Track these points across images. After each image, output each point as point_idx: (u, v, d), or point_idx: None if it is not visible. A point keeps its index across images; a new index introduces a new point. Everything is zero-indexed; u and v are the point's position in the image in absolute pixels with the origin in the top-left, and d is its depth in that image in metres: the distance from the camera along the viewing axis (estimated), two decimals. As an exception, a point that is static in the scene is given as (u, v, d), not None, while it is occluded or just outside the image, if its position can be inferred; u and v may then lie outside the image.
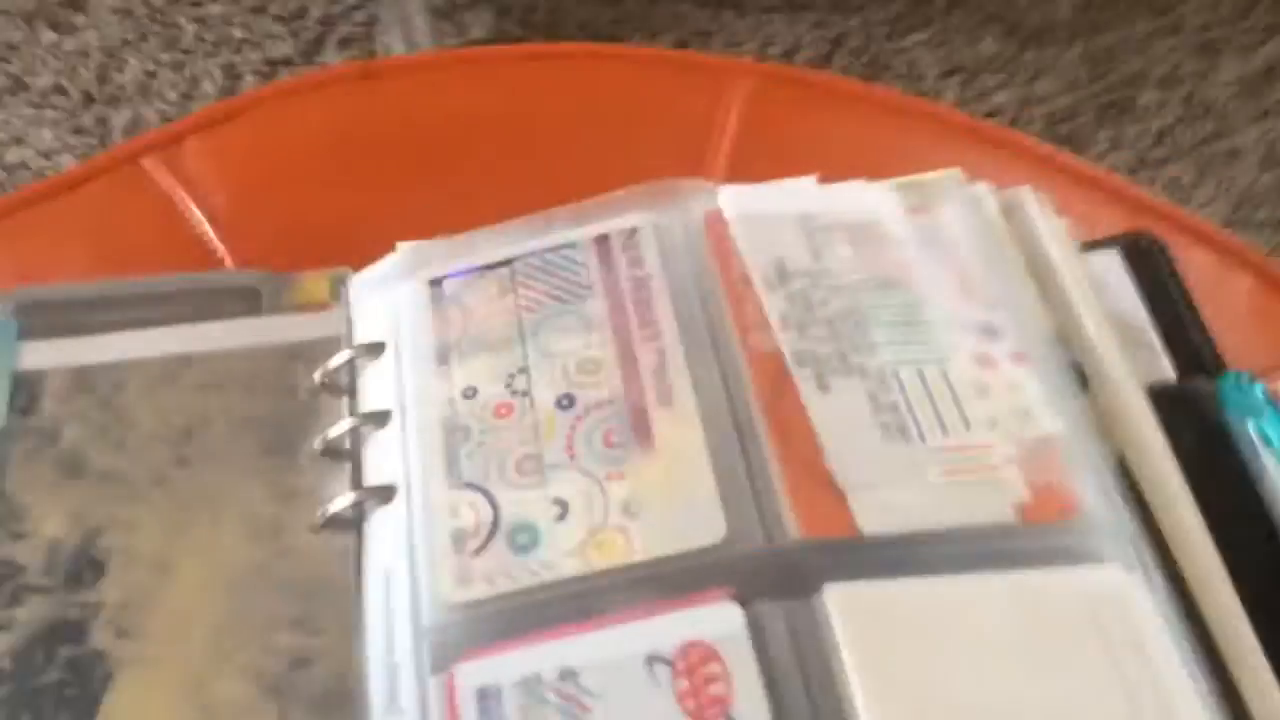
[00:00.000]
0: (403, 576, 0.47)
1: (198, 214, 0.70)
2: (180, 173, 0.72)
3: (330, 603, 0.49)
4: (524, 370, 0.50)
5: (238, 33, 1.60)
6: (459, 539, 0.47)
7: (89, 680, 0.47)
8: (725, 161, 0.70)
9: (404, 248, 0.56)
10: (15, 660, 0.48)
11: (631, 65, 0.78)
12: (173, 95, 1.57)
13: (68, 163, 1.54)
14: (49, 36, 1.61)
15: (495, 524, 0.47)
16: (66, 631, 0.49)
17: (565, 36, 1.58)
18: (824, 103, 0.74)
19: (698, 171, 0.69)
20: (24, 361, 0.56)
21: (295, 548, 0.50)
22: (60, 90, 1.58)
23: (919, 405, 0.48)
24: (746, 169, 0.65)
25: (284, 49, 1.59)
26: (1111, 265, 0.56)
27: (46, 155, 1.55)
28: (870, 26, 1.60)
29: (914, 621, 0.43)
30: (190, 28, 1.61)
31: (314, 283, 0.59)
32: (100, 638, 0.48)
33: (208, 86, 1.57)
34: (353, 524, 0.50)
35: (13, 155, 1.55)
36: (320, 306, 0.58)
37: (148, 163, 0.73)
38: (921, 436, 0.47)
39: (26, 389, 0.55)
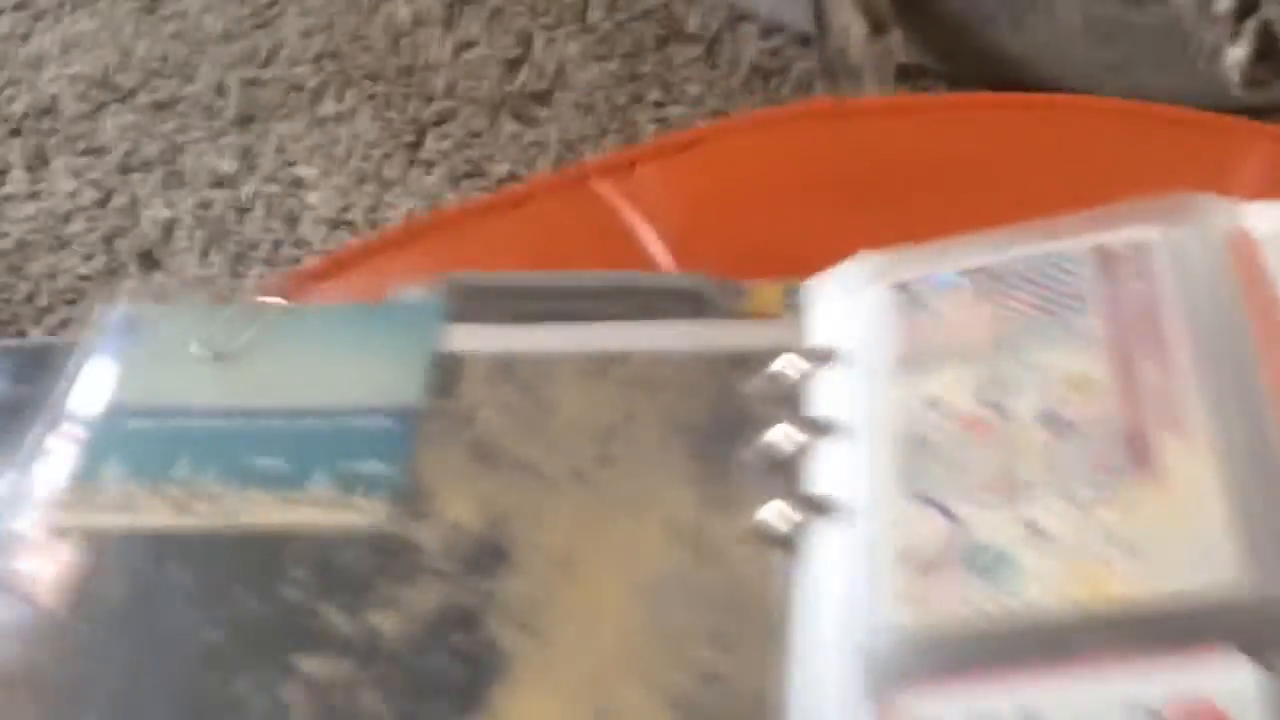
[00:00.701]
0: (841, 594, 0.41)
1: (648, 234, 0.66)
2: (632, 196, 0.69)
3: (752, 618, 0.43)
4: (1000, 382, 0.44)
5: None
6: (910, 557, 0.40)
7: (479, 671, 0.43)
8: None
9: (866, 255, 0.50)
10: (403, 642, 0.43)
11: (1121, 119, 0.70)
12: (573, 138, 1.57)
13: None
14: (511, 128, 1.63)
15: (955, 544, 0.40)
16: (461, 618, 0.44)
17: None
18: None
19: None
20: (448, 344, 0.52)
21: (719, 557, 0.45)
22: (515, 179, 1.60)
23: None
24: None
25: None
26: None
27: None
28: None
29: None
30: (650, 128, 1.61)
31: (766, 292, 0.54)
32: (496, 629, 0.44)
33: (607, 142, 1.57)
34: (786, 537, 0.44)
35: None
36: (768, 315, 0.53)
37: (597, 185, 0.70)
38: None
39: (446, 371, 0.51)
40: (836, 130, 0.71)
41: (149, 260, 1.58)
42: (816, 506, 0.44)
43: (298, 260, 1.58)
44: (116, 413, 0.51)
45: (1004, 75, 1.46)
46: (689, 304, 0.54)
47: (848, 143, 0.70)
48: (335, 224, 1.61)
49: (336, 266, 0.70)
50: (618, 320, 0.53)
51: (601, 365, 0.51)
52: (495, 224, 0.70)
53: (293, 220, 1.60)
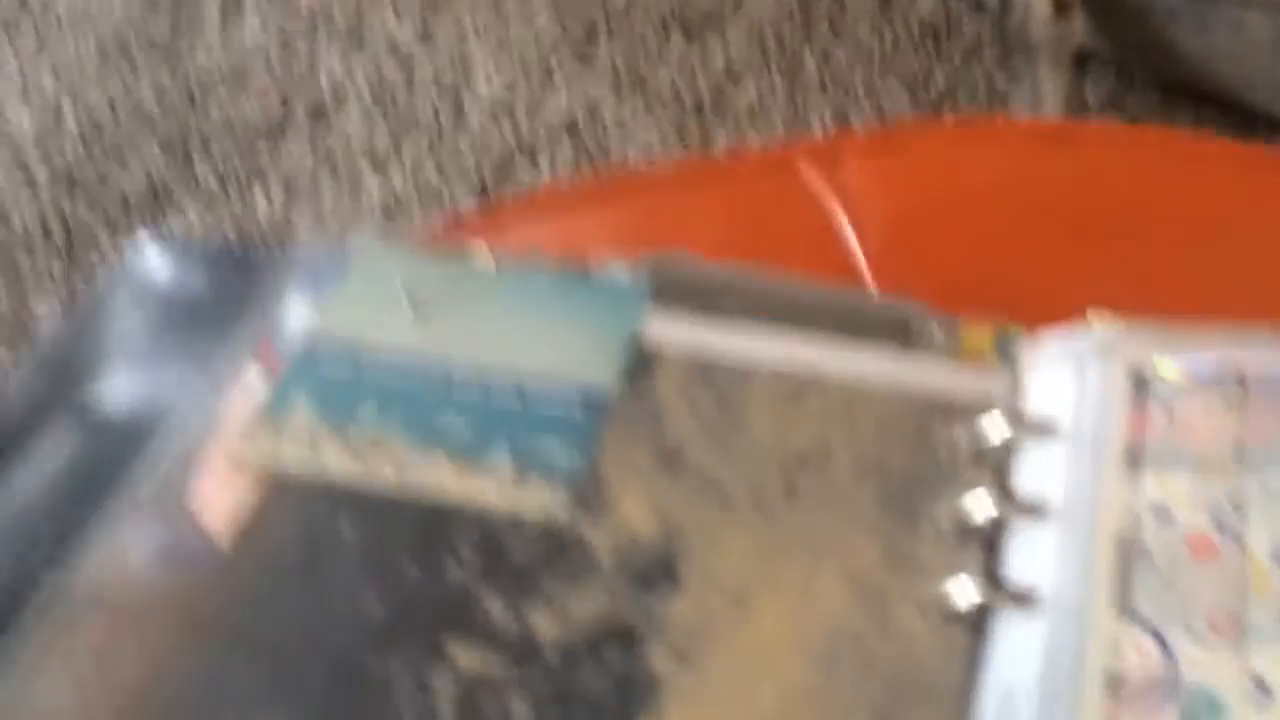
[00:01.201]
0: (1029, 703, 0.38)
1: (850, 230, 0.63)
2: (837, 186, 0.66)
3: (928, 702, 0.41)
4: (1238, 506, 0.41)
5: (858, 79, 1.56)
6: (1116, 684, 0.38)
7: (630, 694, 0.41)
8: None
9: (1104, 320, 0.47)
10: (558, 649, 0.42)
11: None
12: (779, 125, 1.55)
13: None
14: (678, 42, 1.61)
15: (1167, 681, 0.37)
16: (621, 636, 0.42)
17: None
18: None
19: None
20: (648, 330, 0.50)
21: (899, 627, 0.42)
22: (676, 95, 1.58)
23: None
24: None
25: (900, 104, 1.54)
26: None
27: (645, 150, 1.55)
28: None
29: None
30: (812, 63, 1.58)
31: (977, 333, 0.51)
32: (655, 655, 0.42)
33: (815, 124, 1.54)
34: (973, 620, 0.42)
35: (615, 142, 1.56)
36: (977, 360, 0.50)
37: (804, 168, 0.67)
38: None
39: (643, 359, 0.49)
40: (1064, 155, 0.68)
41: (320, 116, 1.58)
42: (1012, 594, 0.41)
43: (457, 147, 1.57)
44: (313, 347, 0.50)
45: (1180, 73, 1.42)
46: (894, 333, 0.52)
47: (1075, 171, 0.66)
48: (498, 112, 1.61)
49: (531, 209, 0.68)
50: (821, 333, 0.51)
51: (800, 388, 0.49)
52: (696, 193, 0.67)
53: (458, 101, 1.59)
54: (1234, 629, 0.39)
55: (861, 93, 1.56)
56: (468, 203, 1.51)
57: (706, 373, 0.49)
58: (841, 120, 1.54)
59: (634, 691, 0.41)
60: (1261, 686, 0.37)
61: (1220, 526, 0.41)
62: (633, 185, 0.67)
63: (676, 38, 1.63)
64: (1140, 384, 0.45)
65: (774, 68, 1.60)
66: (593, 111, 1.59)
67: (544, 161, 1.54)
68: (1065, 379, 0.47)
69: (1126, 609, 0.40)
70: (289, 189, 1.51)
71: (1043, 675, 0.39)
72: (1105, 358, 0.47)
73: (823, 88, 1.57)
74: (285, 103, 1.60)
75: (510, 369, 0.49)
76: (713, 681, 0.41)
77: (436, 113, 1.58)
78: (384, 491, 0.46)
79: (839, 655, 0.42)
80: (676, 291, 0.52)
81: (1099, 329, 0.48)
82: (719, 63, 1.61)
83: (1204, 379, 0.45)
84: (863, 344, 0.51)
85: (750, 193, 0.67)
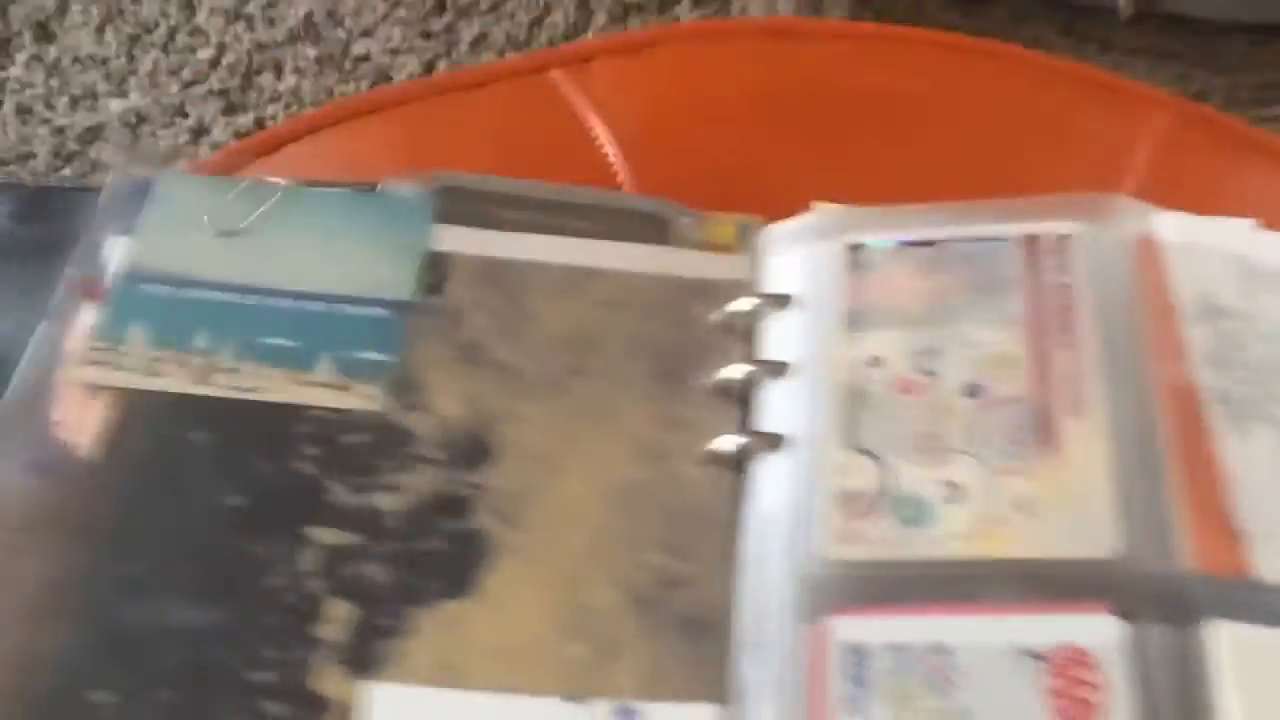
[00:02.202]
0: (784, 524, 0.50)
1: (603, 133, 0.73)
2: (588, 90, 0.76)
3: (706, 534, 0.52)
4: (935, 351, 0.53)
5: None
6: (846, 499, 0.49)
7: (469, 555, 0.51)
8: (1134, 191, 0.71)
9: (824, 208, 0.59)
10: (401, 521, 0.52)
11: (1051, 75, 0.79)
12: (523, 18, 1.62)
13: (411, 64, 1.60)
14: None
15: (885, 492, 0.49)
16: (451, 505, 0.52)
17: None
18: (1245, 151, 0.74)
19: (1113, 179, 0.70)
20: (436, 242, 0.60)
21: (676, 475, 0.53)
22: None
23: (1335, 467, 0.49)
24: (1161, 187, 0.66)
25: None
26: None
27: (393, 53, 1.61)
28: (1238, 89, 1.57)
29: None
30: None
31: (722, 225, 0.62)
32: (483, 518, 0.52)
33: (558, 17, 1.61)
34: (736, 463, 0.53)
35: (359, 47, 1.62)
36: (725, 249, 0.61)
37: (556, 75, 0.77)
38: (1336, 496, 0.48)
39: (436, 269, 0.59)
40: (789, 51, 0.78)
41: (44, 32, 1.60)
42: (766, 440, 0.53)
43: (193, 49, 1.61)
44: (135, 277, 0.58)
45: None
46: (651, 228, 0.62)
47: (799, 65, 0.77)
48: (232, 17, 1.65)
49: (305, 128, 0.76)
50: (588, 236, 0.61)
51: (575, 282, 0.59)
52: (453, 107, 0.76)
53: (189, 6, 1.63)
54: (933, 447, 0.51)
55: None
56: (212, 112, 1.56)
57: (495, 276, 0.59)
58: (587, 12, 1.61)
59: (469, 550, 0.51)
60: (953, 487, 0.49)
61: (922, 369, 0.53)
62: (395, 98, 0.76)
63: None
64: (856, 259, 0.57)
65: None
66: (331, 12, 1.65)
67: (287, 66, 1.60)
68: (796, 260, 0.58)
69: (852, 441, 0.51)
70: (21, 111, 1.54)
71: (791, 500, 0.51)
72: (826, 239, 0.58)
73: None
74: (4, 18, 1.62)
75: (320, 286, 0.58)
76: (533, 534, 0.52)
77: (168, 19, 1.62)
78: (230, 401, 0.55)
79: (632, 501, 0.53)
80: (460, 205, 0.62)
81: (821, 215, 0.59)
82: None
83: (907, 250, 0.57)
84: (625, 240, 0.62)
85: (507, 104, 0.77)
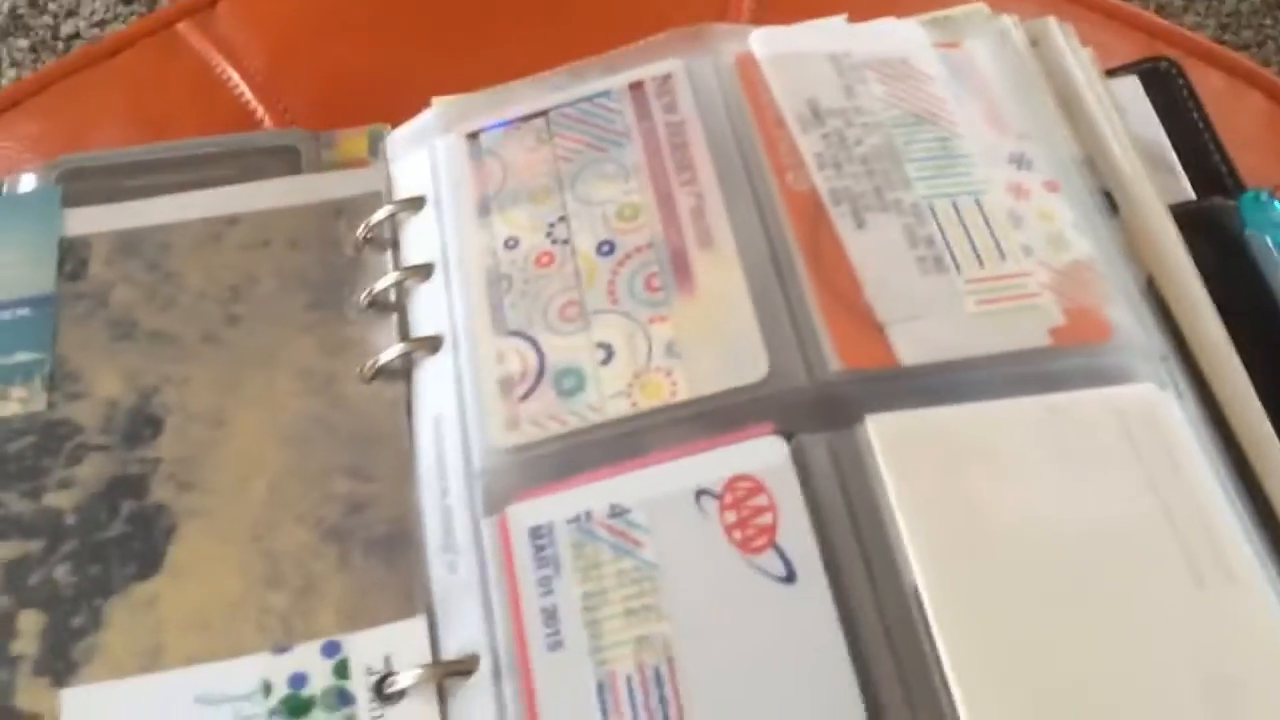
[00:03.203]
0: (453, 423, 0.48)
1: (235, 76, 0.70)
2: (215, 36, 0.72)
3: (383, 450, 0.50)
4: (564, 219, 0.51)
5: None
6: (506, 385, 0.47)
7: (153, 532, 0.48)
8: (750, 6, 0.70)
9: (440, 102, 0.56)
10: (80, 515, 0.49)
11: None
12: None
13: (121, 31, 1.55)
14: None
15: (541, 370, 0.47)
16: (128, 486, 0.50)
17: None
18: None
19: (724, 16, 0.68)
20: (70, 228, 0.57)
21: (347, 398, 0.51)
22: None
23: (954, 238, 0.48)
24: (773, 12, 0.65)
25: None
26: (1131, 91, 0.56)
27: (100, 25, 1.55)
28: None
29: (952, 445, 0.43)
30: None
31: (352, 140, 0.59)
32: (161, 492, 0.49)
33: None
34: (402, 374, 0.51)
35: (68, 27, 1.56)
36: (360, 163, 0.59)
37: (183, 27, 0.74)
38: (958, 268, 0.47)
39: (74, 255, 0.56)
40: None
41: None
42: (424, 345, 0.51)
43: None
44: None
45: None
46: (286, 160, 0.59)
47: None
48: None
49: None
50: (227, 184, 0.58)
51: (216, 230, 0.57)
52: (90, 83, 0.72)
53: None
54: (579, 314, 0.49)
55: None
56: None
57: (133, 247, 0.56)
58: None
59: (157, 528, 0.49)
60: (605, 348, 0.48)
61: (555, 239, 0.51)
62: (32, 90, 0.72)
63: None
64: (474, 147, 0.55)
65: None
66: (33, 2, 1.59)
67: (4, 61, 1.53)
68: (422, 159, 0.56)
69: (502, 326, 0.49)
70: None
71: (455, 397, 0.49)
72: (445, 133, 0.56)
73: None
74: None
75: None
76: (214, 493, 0.49)
77: None
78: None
79: (308, 435, 0.51)
80: (89, 185, 0.59)
81: (437, 110, 0.57)
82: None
83: (521, 126, 0.54)
84: (260, 178, 0.59)
85: (142, 68, 0.73)
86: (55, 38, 1.56)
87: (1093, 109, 0.52)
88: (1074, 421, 0.44)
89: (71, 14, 1.57)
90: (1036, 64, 0.53)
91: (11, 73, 1.55)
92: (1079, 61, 0.53)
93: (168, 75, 0.72)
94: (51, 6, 1.59)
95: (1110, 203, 0.50)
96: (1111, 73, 0.56)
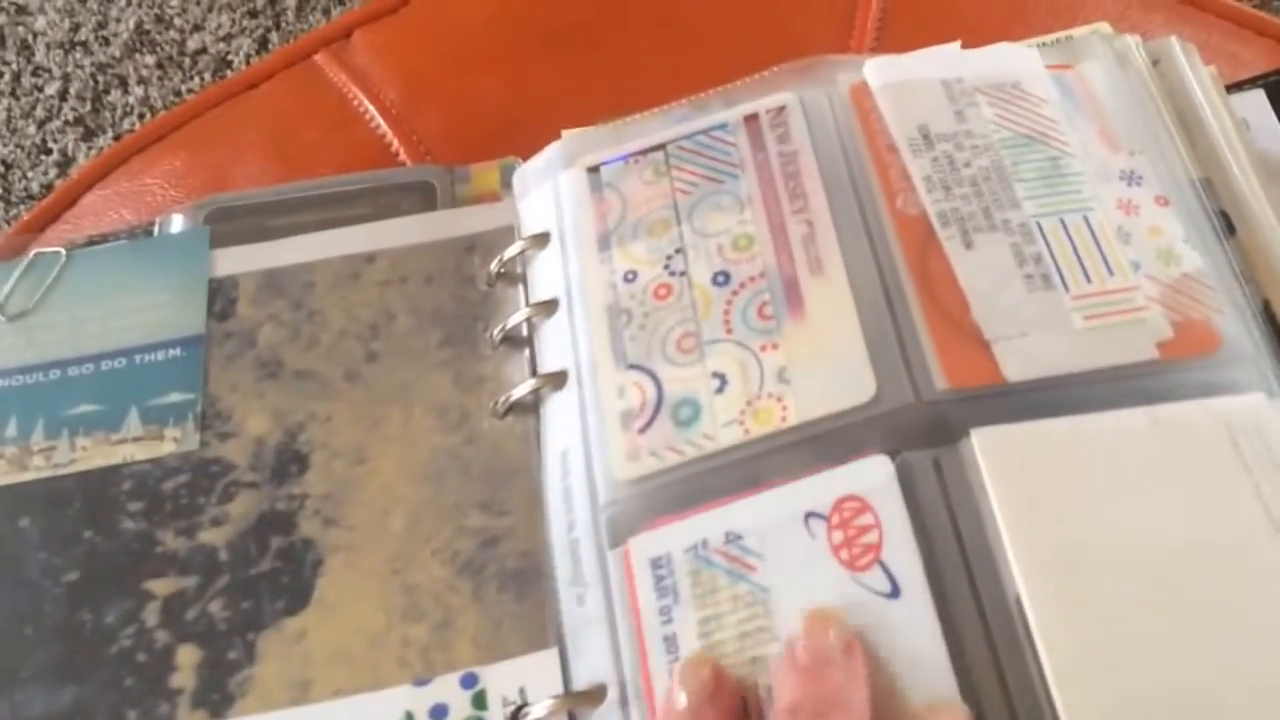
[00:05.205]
0: (578, 457, 0.53)
1: (370, 109, 0.76)
2: (350, 67, 0.78)
3: (515, 484, 0.55)
4: (681, 251, 0.56)
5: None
6: (627, 418, 0.53)
7: (301, 567, 0.54)
8: (874, 30, 0.74)
9: (565, 135, 0.62)
10: (232, 551, 0.55)
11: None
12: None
13: (245, 46, 1.62)
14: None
15: (660, 401, 0.53)
16: (277, 522, 0.56)
17: None
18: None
19: (847, 42, 0.73)
20: (218, 268, 0.63)
21: (480, 433, 0.57)
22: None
23: (1062, 255, 0.52)
24: (895, 38, 0.69)
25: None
26: (1257, 105, 0.59)
27: (226, 39, 1.63)
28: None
29: (1055, 456, 0.47)
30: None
31: (485, 174, 0.65)
32: (308, 527, 0.55)
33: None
34: (532, 409, 0.56)
35: (194, 43, 1.64)
36: (492, 196, 0.64)
37: (320, 59, 0.80)
38: (1065, 285, 0.51)
39: (223, 295, 0.62)
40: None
41: None
42: (551, 380, 0.56)
43: (40, 87, 1.63)
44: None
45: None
46: (421, 196, 0.65)
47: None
48: (69, 46, 1.66)
49: (98, 173, 0.79)
50: (365, 221, 0.64)
51: (355, 268, 0.63)
52: (231, 116, 0.79)
53: (27, 49, 1.65)
54: (695, 345, 0.54)
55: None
56: (72, 141, 1.58)
57: (276, 286, 0.62)
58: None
59: (302, 560, 0.55)
60: (719, 377, 0.53)
61: (672, 271, 0.56)
62: (175, 124, 0.78)
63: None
64: (595, 180, 0.60)
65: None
66: (159, 17, 1.67)
67: (131, 78, 1.62)
68: (547, 194, 0.61)
69: (622, 359, 0.55)
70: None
71: (580, 432, 0.54)
72: (568, 166, 0.61)
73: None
74: None
75: (114, 344, 0.61)
76: (355, 528, 0.55)
77: (10, 66, 1.64)
78: (49, 481, 0.58)
79: (443, 470, 0.56)
80: (233, 226, 0.65)
81: (560, 144, 0.62)
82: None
83: (640, 159, 0.60)
84: (398, 215, 0.65)
85: (281, 100, 0.79)
86: (182, 54, 1.64)
87: (1212, 129, 0.56)
88: (1178, 431, 0.48)
89: (198, 29, 1.65)
90: (1156, 84, 0.57)
91: (139, 90, 1.63)
92: (1199, 80, 0.57)
93: (306, 108, 0.78)
94: (178, 22, 1.67)
95: (1228, 223, 0.54)
96: (1239, 85, 0.59)
